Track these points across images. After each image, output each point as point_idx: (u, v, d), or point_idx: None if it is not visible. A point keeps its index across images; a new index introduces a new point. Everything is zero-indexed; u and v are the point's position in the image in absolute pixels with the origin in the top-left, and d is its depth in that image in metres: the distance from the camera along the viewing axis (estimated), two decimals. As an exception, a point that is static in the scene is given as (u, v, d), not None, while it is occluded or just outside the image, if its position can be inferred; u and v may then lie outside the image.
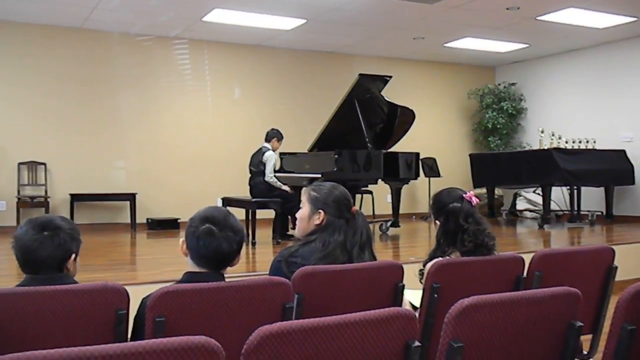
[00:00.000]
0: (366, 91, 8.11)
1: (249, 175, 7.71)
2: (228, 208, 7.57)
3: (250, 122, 10.40)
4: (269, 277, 2.21)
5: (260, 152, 7.63)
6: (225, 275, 2.18)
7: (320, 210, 2.66)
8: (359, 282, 2.44)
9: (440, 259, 2.66)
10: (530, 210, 10.99)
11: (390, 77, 8.19)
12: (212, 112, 10.22)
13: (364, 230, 2.58)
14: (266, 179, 7.52)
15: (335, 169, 7.38)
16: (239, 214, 8.13)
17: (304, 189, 2.79)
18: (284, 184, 8.27)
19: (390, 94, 8.45)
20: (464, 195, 2.78)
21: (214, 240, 2.07)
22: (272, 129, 7.81)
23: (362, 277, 2.44)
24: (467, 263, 2.61)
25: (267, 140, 7.73)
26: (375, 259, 2.62)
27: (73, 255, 2.23)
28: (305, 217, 2.69)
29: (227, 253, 2.09)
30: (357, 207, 2.66)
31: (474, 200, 2.78)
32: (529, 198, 11.14)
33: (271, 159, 7.50)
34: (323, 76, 10.98)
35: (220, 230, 2.08)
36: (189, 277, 2.12)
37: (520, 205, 11.22)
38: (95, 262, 5.90)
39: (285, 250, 2.60)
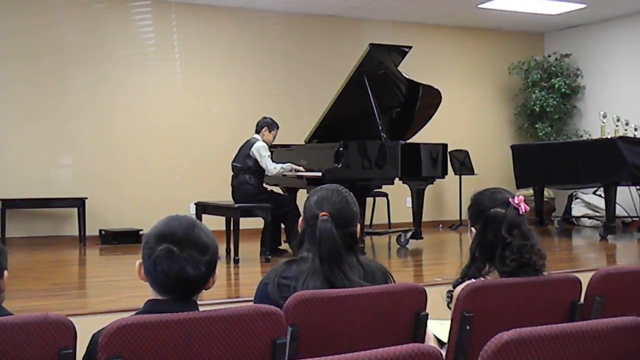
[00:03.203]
0: (379, 66, 8.10)
1: (232, 173, 7.71)
2: (203, 216, 7.67)
3: (232, 105, 10.40)
4: (255, 305, 2.20)
5: (247, 145, 7.64)
6: (200, 302, 2.18)
7: (301, 217, 2.76)
8: (370, 310, 2.43)
9: (474, 280, 2.65)
10: (590, 217, 10.98)
11: (410, 47, 8.18)
12: (182, 94, 10.21)
13: (325, 242, 2.57)
14: (269, 173, 7.55)
15: (339, 166, 7.38)
16: (217, 223, 8.06)
17: None
18: (275, 185, 8.28)
19: (409, 69, 8.44)
20: (511, 200, 2.77)
21: (174, 264, 2.06)
22: (264, 118, 7.83)
23: (373, 305, 2.43)
24: (508, 286, 2.61)
25: (257, 131, 7.74)
26: (350, 281, 2.59)
27: (5, 272, 2.23)
28: None
29: (193, 278, 2.09)
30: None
31: (523, 207, 2.77)
32: (588, 201, 11.13)
33: (264, 149, 7.51)
34: (324, 47, 10.98)
35: (182, 249, 2.07)
36: (152, 306, 2.12)
37: (577, 210, 11.21)
38: (33, 286, 5.89)
39: (275, 270, 2.60)
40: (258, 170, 7.57)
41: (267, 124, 7.76)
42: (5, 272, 2.24)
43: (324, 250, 2.57)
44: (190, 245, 2.09)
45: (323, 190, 2.76)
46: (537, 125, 12.03)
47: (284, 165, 7.62)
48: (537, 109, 11.95)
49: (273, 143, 8.01)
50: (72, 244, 9.24)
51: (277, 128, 7.82)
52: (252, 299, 2.64)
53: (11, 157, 9.35)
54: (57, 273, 7.09)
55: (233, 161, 7.75)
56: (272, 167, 7.51)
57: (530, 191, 10.57)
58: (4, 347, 1.96)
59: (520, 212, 2.76)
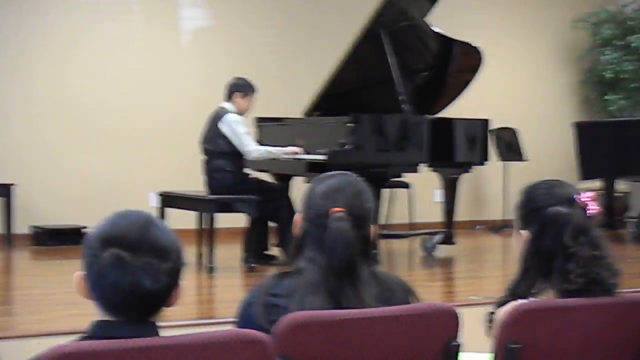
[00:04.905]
0: (401, 16, 8.09)
1: (203, 157, 7.72)
2: (168, 211, 7.67)
3: (207, 66, 10.37)
4: (235, 330, 2.20)
5: (215, 119, 7.60)
6: (162, 324, 2.18)
7: (298, 214, 2.73)
8: (387, 339, 2.43)
9: (523, 301, 2.65)
10: (676, 219, 10.98)
11: (442, -8, 8.19)
12: (141, 50, 10.19)
13: (339, 247, 2.56)
14: (250, 156, 7.54)
15: (348, 146, 7.37)
16: (187, 220, 8.07)
17: None
18: (262, 170, 8.28)
19: (440, 21, 8.43)
20: (576, 197, 2.77)
21: (125, 275, 2.04)
22: (236, 79, 7.79)
23: (391, 331, 2.43)
24: (569, 309, 2.60)
25: (228, 96, 7.70)
26: (362, 300, 2.58)
27: None
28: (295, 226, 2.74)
29: (152, 293, 2.07)
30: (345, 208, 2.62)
31: (592, 206, 2.76)
32: (674, 198, 11.12)
33: (236, 124, 7.47)
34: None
35: (135, 255, 2.05)
36: (100, 329, 2.11)
37: (659, 209, 11.21)
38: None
39: (263, 286, 2.60)
40: (236, 151, 7.54)
41: (239, 87, 7.70)
42: None
43: (335, 258, 2.55)
44: (146, 250, 2.06)
45: (331, 179, 2.74)
46: (608, 97, 12.00)
47: (273, 149, 7.58)
48: (609, 76, 11.92)
49: (263, 116, 7.99)
50: (-5, 245, 9.26)
51: (254, 92, 7.77)
52: (231, 320, 2.64)
53: None
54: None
55: (202, 141, 7.71)
56: (252, 149, 7.46)
57: (598, 184, 10.57)
58: None
59: (589, 213, 2.75)
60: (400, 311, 2.50)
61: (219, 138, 7.53)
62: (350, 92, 8.31)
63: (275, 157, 7.66)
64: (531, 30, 12.18)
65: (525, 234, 2.82)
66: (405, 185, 9.83)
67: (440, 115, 8.29)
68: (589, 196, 2.77)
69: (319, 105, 8.47)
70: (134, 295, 2.05)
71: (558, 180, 2.89)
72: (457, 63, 8.34)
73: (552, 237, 2.74)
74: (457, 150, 8.15)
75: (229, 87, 7.73)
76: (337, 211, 2.59)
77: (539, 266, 2.77)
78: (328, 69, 8.35)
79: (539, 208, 2.79)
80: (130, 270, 2.04)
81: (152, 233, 2.09)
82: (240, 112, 7.65)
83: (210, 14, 10.56)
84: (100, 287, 2.07)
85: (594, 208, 2.75)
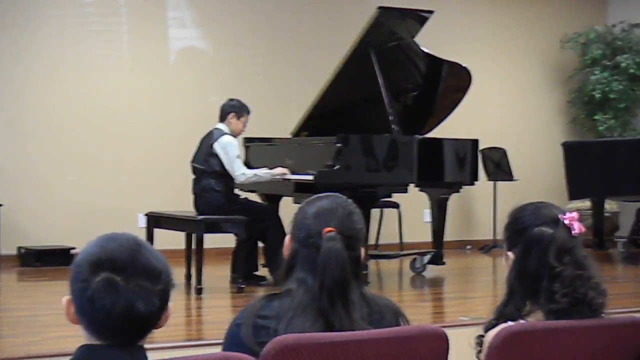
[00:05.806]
0: (390, 36, 8.11)
1: (193, 176, 7.71)
2: (157, 231, 7.65)
3: (196, 87, 10.36)
4: (223, 353, 2.19)
5: (209, 139, 7.62)
6: (149, 347, 2.16)
7: (289, 235, 2.72)
8: (375, 361, 2.43)
9: (512, 323, 2.65)
10: (665, 238, 10.99)
11: (431, 12, 8.19)
12: (130, 71, 10.17)
13: (331, 268, 2.54)
14: (238, 180, 7.56)
15: (337, 166, 7.37)
16: (175, 241, 8.02)
17: None
18: (250, 191, 8.26)
19: (430, 41, 8.44)
20: (561, 217, 2.77)
21: (119, 299, 2.03)
22: (229, 100, 7.82)
23: (379, 354, 2.42)
24: (557, 331, 2.60)
25: (222, 118, 7.73)
26: (353, 321, 2.57)
27: None
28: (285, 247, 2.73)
29: (145, 316, 2.06)
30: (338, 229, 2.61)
31: (577, 226, 2.76)
32: (663, 217, 11.13)
33: (231, 146, 7.49)
34: (318, 12, 10.95)
35: (128, 279, 2.03)
36: (87, 353, 2.10)
37: (648, 229, 11.21)
38: None
39: (251, 307, 2.59)
40: (227, 172, 7.56)
41: (234, 109, 7.73)
42: None
43: (328, 278, 2.53)
44: (138, 273, 2.04)
45: (322, 201, 2.74)
46: (596, 117, 12.02)
47: (260, 172, 7.59)
48: (598, 95, 11.92)
49: (252, 136, 7.97)
50: (-18, 266, 9.22)
51: (248, 113, 7.81)
52: (219, 341, 2.63)
53: None
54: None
55: (192, 161, 7.72)
56: (240, 173, 7.48)
57: (587, 203, 10.57)
58: None
59: (574, 233, 2.75)
60: (390, 333, 2.49)
61: (212, 158, 7.54)
62: (339, 112, 8.32)
63: (263, 180, 7.66)
64: (520, 50, 12.21)
65: (511, 255, 2.83)
66: (394, 205, 9.83)
67: (429, 135, 8.30)
68: (573, 216, 2.77)
69: (308, 125, 8.47)
70: (127, 319, 2.03)
71: (544, 202, 2.89)
72: (446, 83, 8.36)
73: (537, 258, 2.74)
74: (446, 170, 8.15)
75: (223, 107, 7.75)
76: (330, 231, 2.59)
77: (525, 287, 2.77)
78: (316, 90, 8.35)
79: (524, 229, 2.80)
80: (124, 294, 2.01)
81: (142, 255, 2.07)
82: (235, 134, 7.68)
83: (199, 34, 10.56)
84: (91, 312, 2.03)
85: (578, 228, 2.75)
